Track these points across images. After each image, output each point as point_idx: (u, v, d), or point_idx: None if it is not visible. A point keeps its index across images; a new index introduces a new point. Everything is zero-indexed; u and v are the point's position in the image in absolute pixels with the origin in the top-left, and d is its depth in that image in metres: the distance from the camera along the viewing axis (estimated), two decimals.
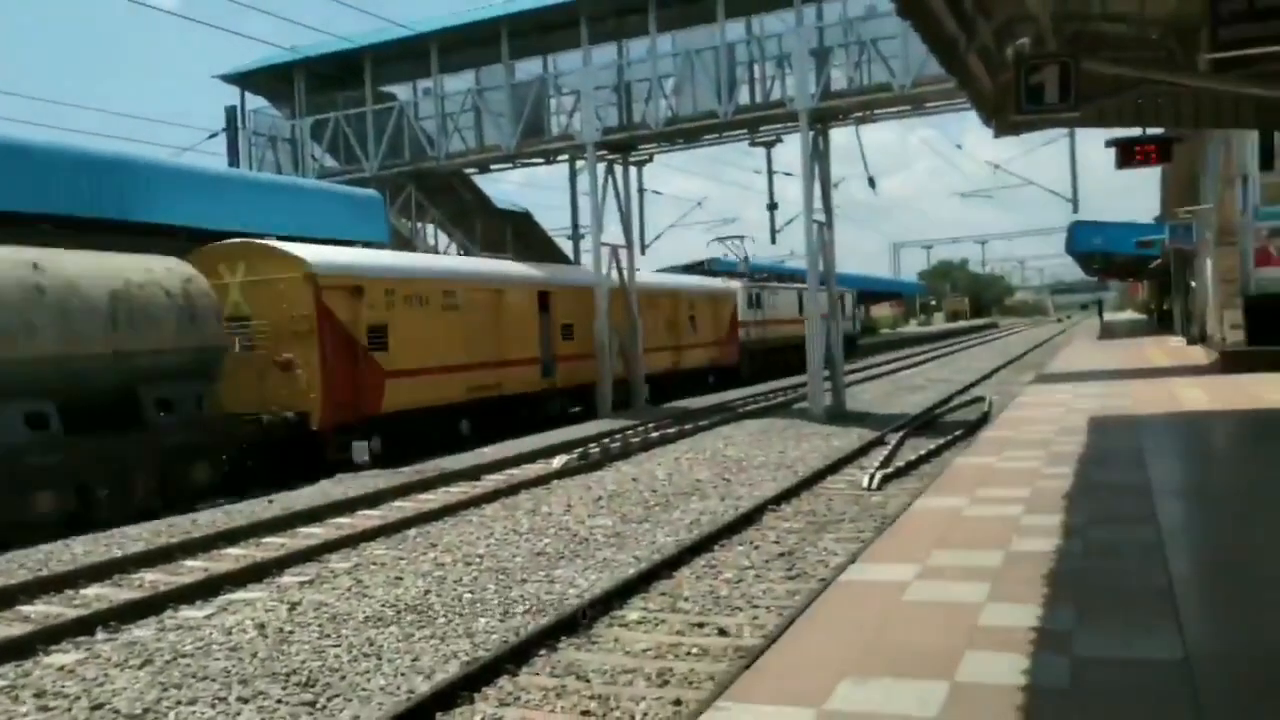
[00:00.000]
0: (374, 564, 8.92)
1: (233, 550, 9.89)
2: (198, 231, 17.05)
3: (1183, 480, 9.35)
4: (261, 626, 7.10)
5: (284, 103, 24.89)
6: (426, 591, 7.91)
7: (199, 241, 16.21)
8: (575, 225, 25.45)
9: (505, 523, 10.46)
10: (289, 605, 7.63)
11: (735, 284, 31.83)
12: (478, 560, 8.90)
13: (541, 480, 12.99)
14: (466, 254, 25.66)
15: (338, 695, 5.82)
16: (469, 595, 7.79)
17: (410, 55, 23.70)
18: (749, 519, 10.21)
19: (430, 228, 26.12)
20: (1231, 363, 19.64)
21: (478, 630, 6.93)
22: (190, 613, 7.59)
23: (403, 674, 6.12)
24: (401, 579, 8.33)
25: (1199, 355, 25.60)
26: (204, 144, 52.72)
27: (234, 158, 24.36)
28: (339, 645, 6.66)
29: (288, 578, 8.59)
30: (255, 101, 25.24)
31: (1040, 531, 7.11)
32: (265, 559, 9.00)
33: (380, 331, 16.10)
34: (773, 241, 37.86)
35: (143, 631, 7.15)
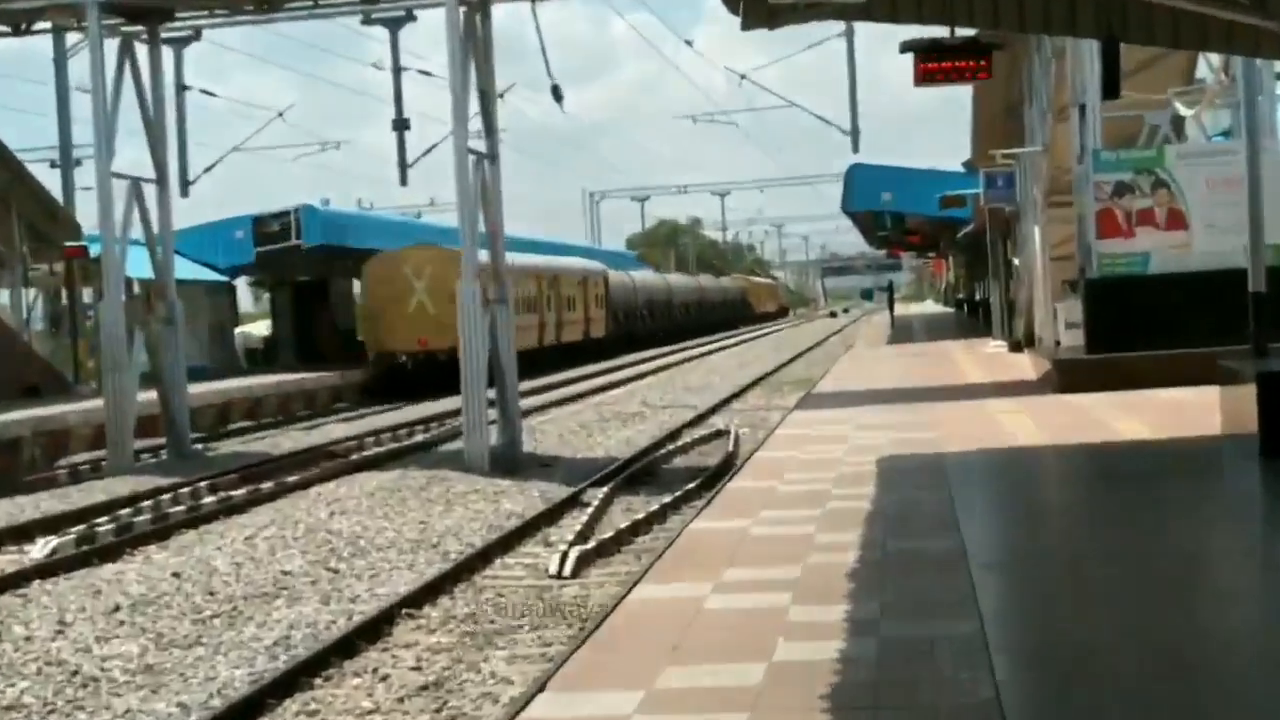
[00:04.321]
0: None
1: None
2: None
3: (1010, 547, 10.31)
4: None
5: None
6: None
7: None
8: (66, 145, 24.41)
9: None
10: None
11: None
12: None
13: (10, 582, 12.68)
14: None
15: None
16: None
17: None
18: (372, 631, 10.27)
19: None
20: (1068, 377, 21.92)
21: None
22: None
23: None
24: None
25: (1024, 366, 28.34)
26: None
27: None
28: None
29: None
30: None
31: (817, 631, 7.59)
32: None
33: None
34: (402, 181, 37.53)
35: None
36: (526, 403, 26.88)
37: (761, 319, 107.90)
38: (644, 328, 66.13)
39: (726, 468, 17.81)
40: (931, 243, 76.09)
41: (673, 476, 18.44)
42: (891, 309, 75.30)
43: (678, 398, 32.12)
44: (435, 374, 34.71)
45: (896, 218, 57.37)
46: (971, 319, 61.47)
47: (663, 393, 34.10)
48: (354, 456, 22.40)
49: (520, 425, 22.45)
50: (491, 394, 21.26)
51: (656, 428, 25.18)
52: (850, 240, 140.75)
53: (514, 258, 49.67)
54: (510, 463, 20.50)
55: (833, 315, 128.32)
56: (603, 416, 27.84)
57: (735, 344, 65.09)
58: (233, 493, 18.14)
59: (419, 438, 25.50)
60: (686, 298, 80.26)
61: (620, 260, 78.16)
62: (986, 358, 33.87)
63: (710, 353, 56.01)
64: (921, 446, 15.90)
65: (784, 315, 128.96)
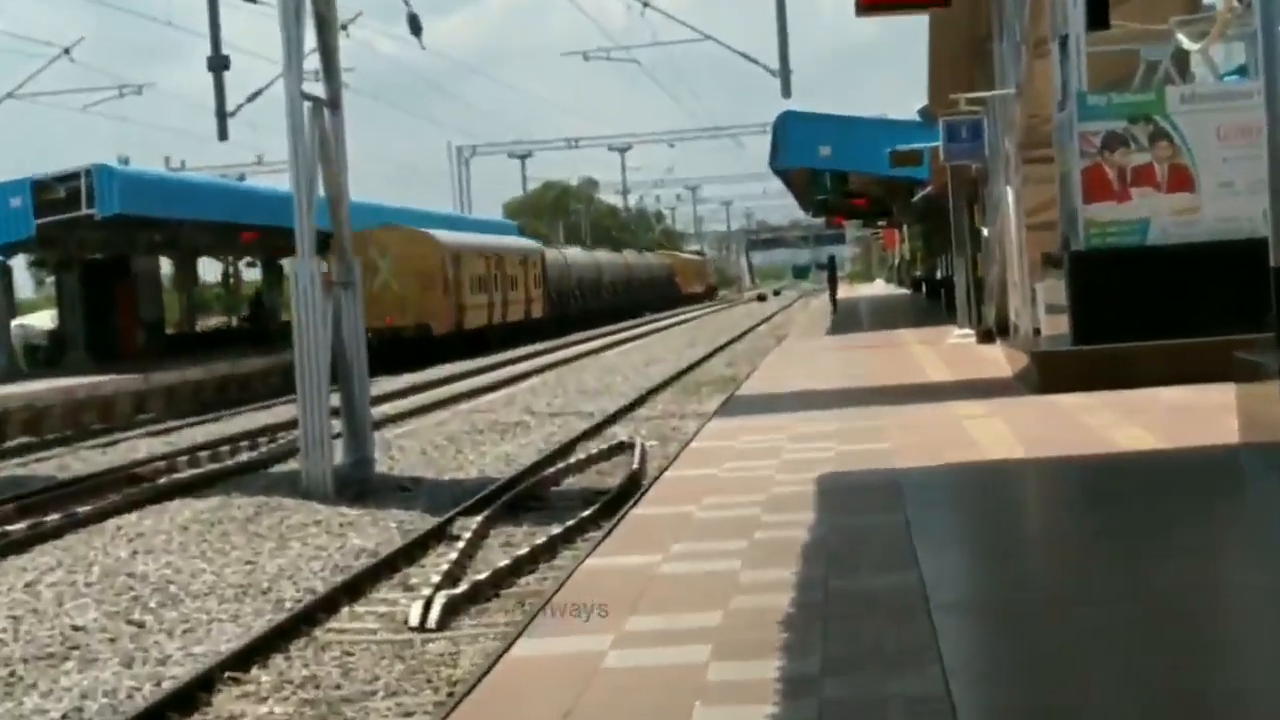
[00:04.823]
0: None
1: None
2: None
3: (980, 585, 10.31)
4: None
5: None
6: None
7: None
8: None
9: None
10: None
11: None
12: None
13: None
14: None
15: None
16: None
17: None
18: (186, 701, 10.23)
19: None
20: (1050, 374, 22.02)
21: None
22: None
23: None
24: None
25: (997, 361, 28.53)
26: None
27: None
28: None
29: None
30: None
31: (743, 693, 7.49)
32: None
33: None
34: (222, 134, 37.29)
35: None
36: (379, 410, 26.77)
37: (690, 300, 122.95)
38: (577, 308, 79.41)
39: (630, 490, 17.90)
40: (881, 208, 76.75)
41: (564, 502, 18.61)
42: (833, 290, 75.77)
43: (570, 401, 32.24)
44: (400, 351, 46.15)
45: (838, 178, 57.85)
46: (931, 302, 62.23)
47: (551, 394, 34.11)
48: (163, 481, 22.37)
49: (372, 440, 22.52)
50: (335, 401, 21.25)
51: (543, 438, 25.31)
52: (781, 205, 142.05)
53: (464, 236, 60.08)
54: (360, 486, 20.57)
55: (761, 299, 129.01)
56: (475, 427, 27.92)
57: (642, 335, 65.40)
58: (9, 527, 18.10)
59: (245, 456, 25.50)
60: (615, 276, 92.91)
61: (501, 232, 78.40)
62: (950, 350, 34.19)
63: (607, 347, 56.20)
64: (871, 461, 15.93)
65: (713, 296, 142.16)
